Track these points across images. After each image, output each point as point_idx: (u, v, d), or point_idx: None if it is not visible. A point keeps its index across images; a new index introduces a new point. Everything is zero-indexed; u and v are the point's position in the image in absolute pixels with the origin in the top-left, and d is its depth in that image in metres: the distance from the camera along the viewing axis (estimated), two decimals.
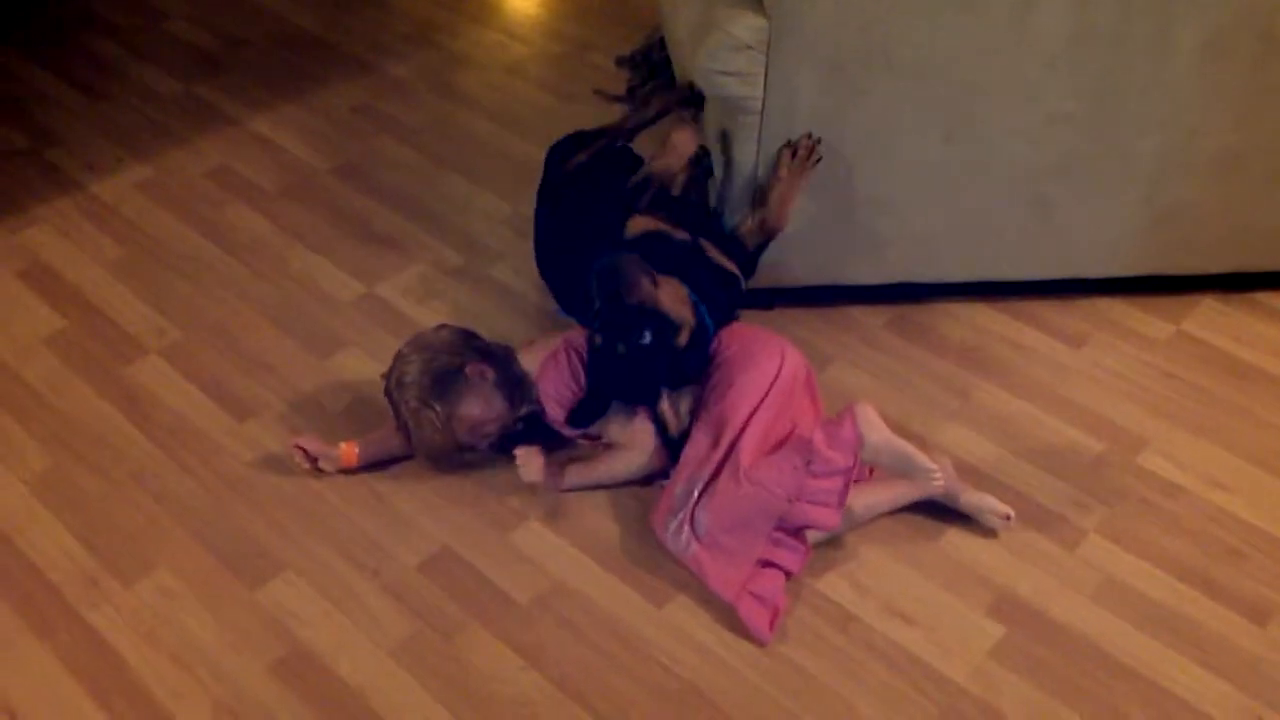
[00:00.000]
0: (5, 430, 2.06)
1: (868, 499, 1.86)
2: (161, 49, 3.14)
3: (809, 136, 1.99)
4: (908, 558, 1.84)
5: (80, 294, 2.34)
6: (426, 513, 1.92)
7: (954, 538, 1.87)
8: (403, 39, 3.18)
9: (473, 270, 2.40)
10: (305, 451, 1.94)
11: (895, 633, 1.74)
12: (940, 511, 1.90)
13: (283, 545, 1.87)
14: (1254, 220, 2.18)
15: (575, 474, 1.94)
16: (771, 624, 1.73)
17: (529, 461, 1.91)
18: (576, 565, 1.84)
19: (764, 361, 1.89)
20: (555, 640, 1.74)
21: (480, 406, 1.90)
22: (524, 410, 1.95)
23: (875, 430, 1.80)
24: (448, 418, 1.87)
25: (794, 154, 2.00)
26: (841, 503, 1.76)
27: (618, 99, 2.89)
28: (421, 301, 2.32)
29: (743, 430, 1.82)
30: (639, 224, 2.03)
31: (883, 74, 1.94)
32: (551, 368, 1.96)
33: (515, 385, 1.94)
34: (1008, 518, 1.85)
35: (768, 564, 1.77)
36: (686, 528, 1.79)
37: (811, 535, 1.80)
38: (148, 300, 2.33)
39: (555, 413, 1.95)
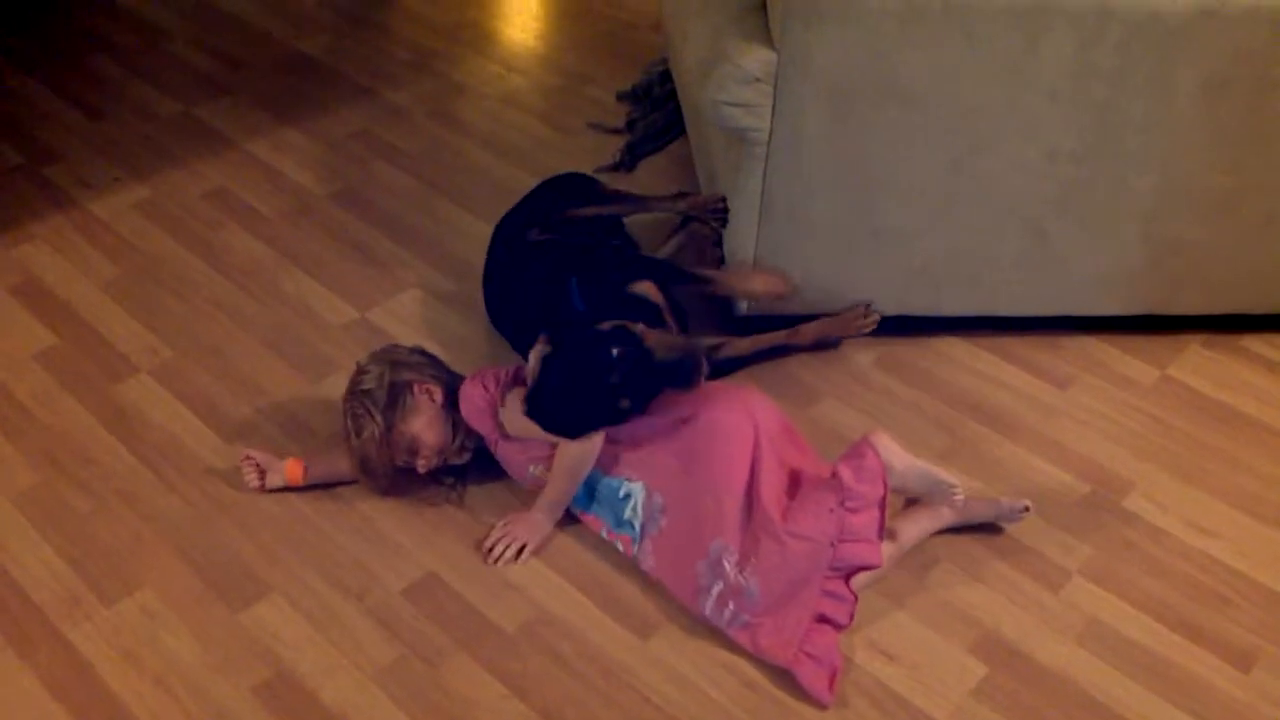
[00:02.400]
0: None
1: (902, 535, 1.86)
2: (162, 70, 3.15)
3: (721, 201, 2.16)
4: (893, 595, 1.84)
5: (73, 311, 2.34)
6: (413, 538, 1.92)
7: (939, 576, 1.88)
8: (403, 67, 3.20)
9: (464, 296, 2.41)
10: (255, 463, 1.95)
11: (879, 670, 1.74)
12: (925, 550, 1.91)
13: (268, 568, 1.86)
14: (1248, 262, 2.21)
15: (547, 503, 1.91)
16: (830, 684, 1.70)
17: (509, 535, 1.89)
18: (563, 595, 1.84)
19: (735, 416, 1.85)
20: (540, 670, 1.73)
21: (421, 425, 1.90)
22: (467, 441, 1.94)
23: (896, 456, 1.81)
24: (388, 429, 1.87)
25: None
26: (880, 535, 1.76)
27: (614, 131, 2.92)
28: (413, 326, 2.32)
29: (749, 489, 1.79)
30: (645, 287, 2.07)
31: (888, 107, 1.97)
32: (469, 384, 1.93)
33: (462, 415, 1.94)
34: (1027, 508, 1.90)
35: (820, 619, 1.74)
36: (731, 603, 1.75)
37: (857, 581, 1.77)
38: (140, 319, 2.33)
39: (475, 416, 1.92)
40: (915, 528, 1.89)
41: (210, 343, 2.29)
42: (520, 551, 1.88)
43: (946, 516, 1.90)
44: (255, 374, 2.22)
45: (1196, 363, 2.30)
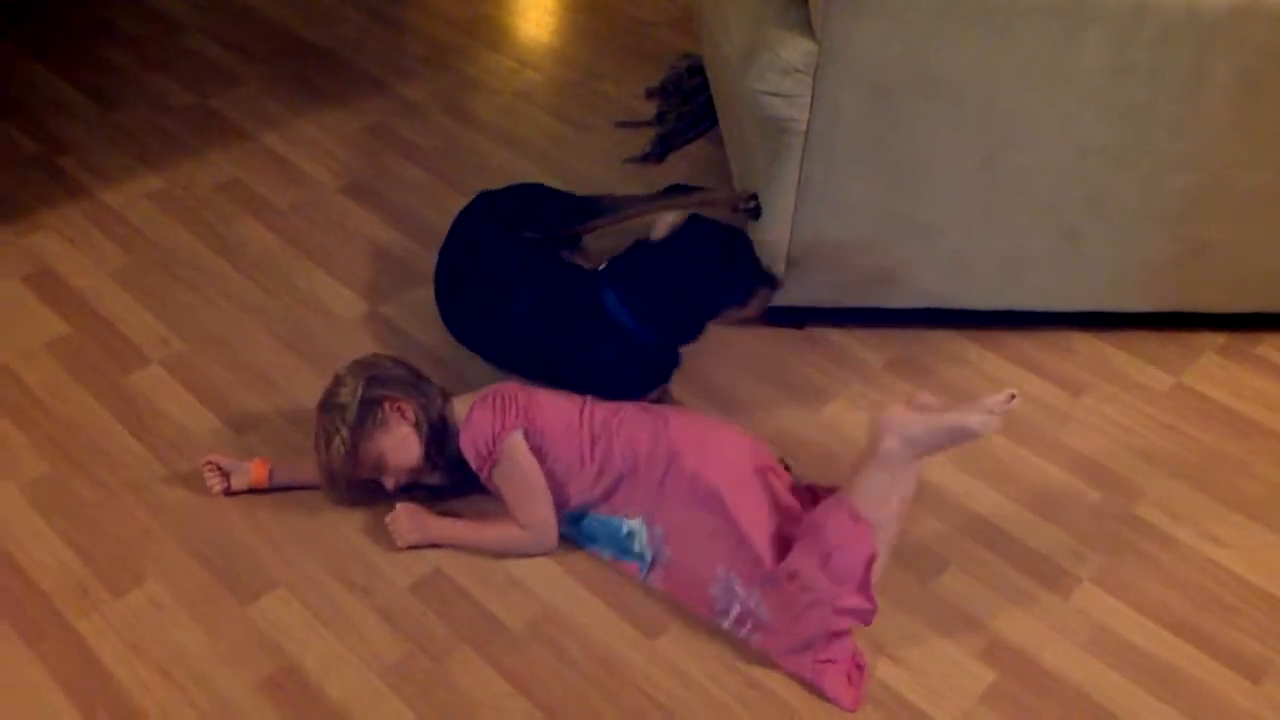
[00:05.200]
0: (3, 435, 2.05)
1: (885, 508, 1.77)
2: (177, 61, 3.16)
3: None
4: (900, 600, 1.84)
5: (85, 301, 2.35)
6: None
7: (948, 581, 1.87)
8: (417, 61, 3.20)
9: None
10: (219, 468, 1.94)
11: (885, 674, 1.74)
12: (935, 554, 1.90)
13: (276, 562, 1.86)
14: (1278, 260, 2.22)
15: (449, 530, 1.89)
16: (856, 687, 1.69)
17: (398, 524, 1.88)
18: (569, 593, 1.84)
19: (714, 449, 1.85)
20: (545, 667, 1.73)
21: (389, 443, 1.85)
22: (440, 461, 1.90)
23: (909, 428, 1.69)
24: (354, 447, 1.84)
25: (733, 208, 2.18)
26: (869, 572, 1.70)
27: (645, 124, 2.92)
28: (425, 322, 2.32)
29: (740, 519, 1.76)
30: None
31: (924, 100, 1.98)
32: (480, 408, 1.88)
33: (436, 432, 1.89)
34: (1012, 396, 1.68)
35: (836, 634, 1.71)
36: (749, 622, 1.75)
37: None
38: (152, 310, 2.33)
39: (473, 457, 1.87)
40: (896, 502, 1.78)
41: (221, 334, 2.28)
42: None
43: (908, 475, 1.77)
44: (266, 366, 2.22)
45: (1211, 370, 2.28)
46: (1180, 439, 2.14)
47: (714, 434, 1.91)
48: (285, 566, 1.85)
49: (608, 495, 1.86)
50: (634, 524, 1.84)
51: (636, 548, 1.84)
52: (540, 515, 1.86)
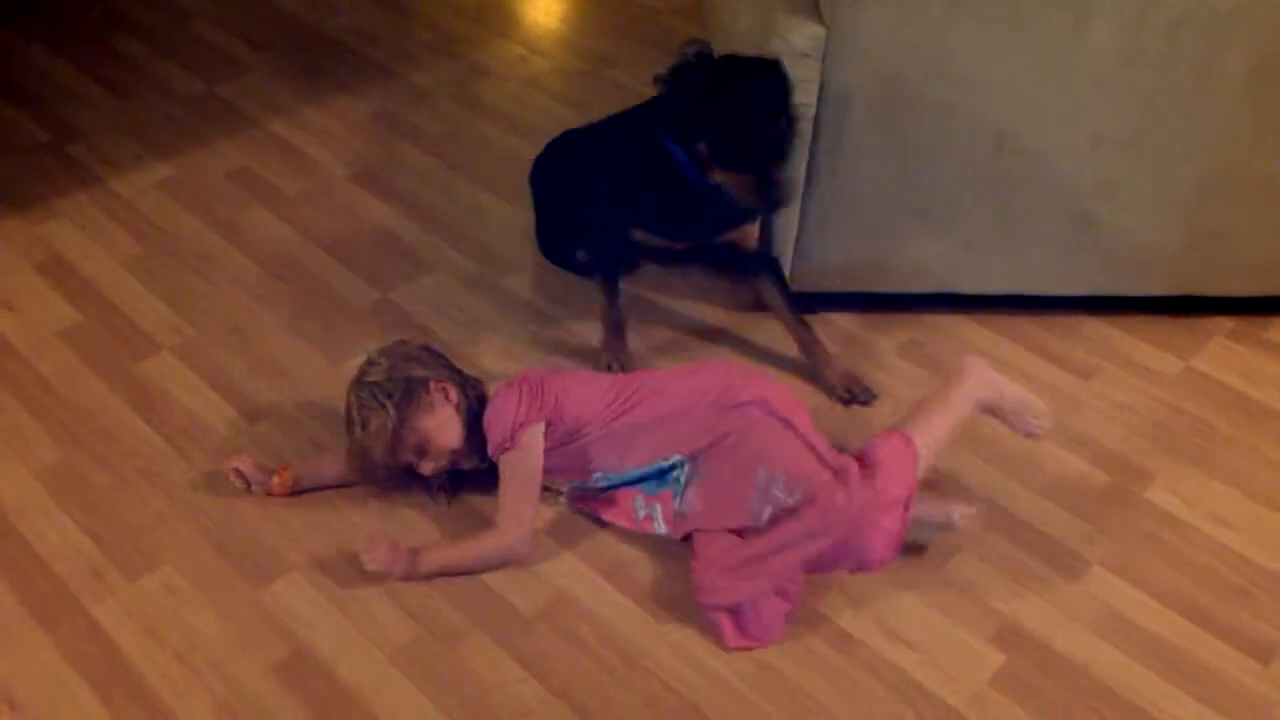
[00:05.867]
0: (17, 422, 2.07)
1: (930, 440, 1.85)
2: (186, 49, 3.16)
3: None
4: (910, 583, 1.84)
5: (96, 289, 2.36)
6: (433, 520, 1.93)
7: (959, 565, 1.87)
8: (425, 48, 3.20)
9: (487, 280, 2.41)
10: (241, 474, 1.93)
11: (896, 656, 1.74)
12: (946, 540, 1.90)
13: (288, 546, 1.87)
14: None
15: (433, 558, 1.83)
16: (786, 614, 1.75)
17: (374, 550, 1.79)
18: (581, 578, 1.84)
19: (739, 380, 1.91)
20: (557, 652, 1.74)
21: (434, 424, 1.85)
22: (478, 446, 1.90)
23: (990, 371, 1.90)
24: (400, 422, 1.82)
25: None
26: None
27: None
28: (435, 309, 2.33)
29: (787, 421, 1.83)
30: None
31: (933, 86, 1.98)
32: (504, 392, 1.90)
33: (474, 415, 1.90)
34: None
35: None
36: (768, 509, 1.76)
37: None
38: (163, 298, 2.34)
39: (492, 438, 1.87)
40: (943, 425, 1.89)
41: (232, 322, 2.29)
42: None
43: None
44: (277, 354, 2.23)
45: (1221, 355, 2.28)
46: (1190, 423, 2.14)
47: (756, 371, 2.01)
48: (297, 551, 1.86)
49: (644, 446, 1.87)
50: (673, 458, 1.85)
51: (673, 475, 1.85)
52: (525, 514, 1.84)
